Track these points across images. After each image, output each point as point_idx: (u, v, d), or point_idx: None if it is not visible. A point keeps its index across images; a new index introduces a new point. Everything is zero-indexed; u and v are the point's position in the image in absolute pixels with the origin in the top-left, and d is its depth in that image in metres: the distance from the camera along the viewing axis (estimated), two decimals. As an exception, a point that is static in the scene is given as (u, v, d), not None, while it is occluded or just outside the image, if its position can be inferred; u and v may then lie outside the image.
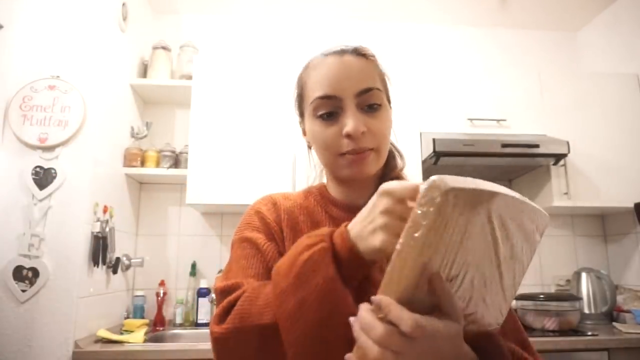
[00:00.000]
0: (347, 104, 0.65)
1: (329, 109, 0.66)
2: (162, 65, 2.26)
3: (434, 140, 1.99)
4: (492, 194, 0.44)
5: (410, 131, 2.11)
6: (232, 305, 0.58)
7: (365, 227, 0.51)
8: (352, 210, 0.71)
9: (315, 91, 0.67)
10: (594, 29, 2.63)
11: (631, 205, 2.11)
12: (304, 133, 0.76)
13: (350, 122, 0.64)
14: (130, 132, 2.16)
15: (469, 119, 2.17)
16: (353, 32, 2.60)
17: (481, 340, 0.51)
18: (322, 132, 0.66)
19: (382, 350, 0.41)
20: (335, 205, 0.73)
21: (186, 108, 2.15)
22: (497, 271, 0.49)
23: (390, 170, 0.73)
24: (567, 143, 2.05)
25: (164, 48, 2.28)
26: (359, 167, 0.66)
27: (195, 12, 2.56)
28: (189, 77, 2.17)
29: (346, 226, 0.53)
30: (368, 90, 0.66)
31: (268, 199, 0.75)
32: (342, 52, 0.68)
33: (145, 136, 2.18)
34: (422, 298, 0.44)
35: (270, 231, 0.69)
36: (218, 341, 0.56)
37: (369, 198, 0.71)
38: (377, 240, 0.49)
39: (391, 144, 0.73)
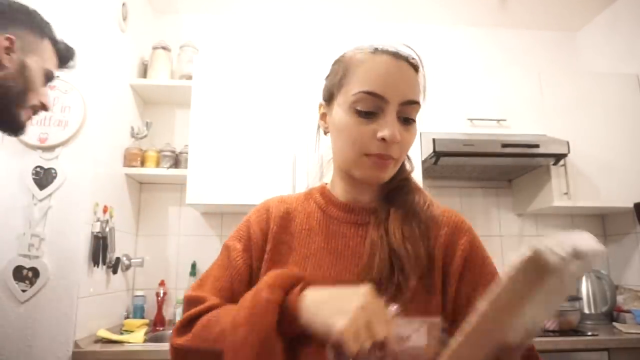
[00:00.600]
0: (390, 108, 0.65)
1: (371, 108, 0.65)
2: (162, 65, 2.26)
3: (434, 140, 1.99)
4: (592, 257, 0.40)
5: (410, 131, 2.10)
6: (191, 319, 0.62)
7: (334, 305, 0.52)
8: (351, 210, 0.72)
9: (362, 84, 0.65)
10: (594, 29, 2.63)
11: (631, 205, 2.11)
12: (323, 117, 0.75)
13: (389, 128, 0.63)
14: (130, 132, 2.16)
15: (469, 119, 2.17)
16: (353, 32, 2.60)
17: None
18: (356, 127, 0.65)
19: None
20: (335, 206, 0.73)
21: (186, 108, 2.15)
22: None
23: (398, 173, 0.72)
24: (567, 143, 2.05)
25: (164, 48, 2.28)
26: (379, 172, 0.66)
27: (195, 12, 2.56)
28: (189, 77, 2.17)
29: (302, 290, 0.56)
30: (413, 102, 0.66)
31: (264, 206, 0.76)
32: (397, 56, 0.67)
33: (145, 136, 2.18)
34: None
35: (250, 244, 0.71)
36: (177, 353, 0.62)
37: (371, 197, 0.72)
38: (339, 323, 0.49)
39: None
